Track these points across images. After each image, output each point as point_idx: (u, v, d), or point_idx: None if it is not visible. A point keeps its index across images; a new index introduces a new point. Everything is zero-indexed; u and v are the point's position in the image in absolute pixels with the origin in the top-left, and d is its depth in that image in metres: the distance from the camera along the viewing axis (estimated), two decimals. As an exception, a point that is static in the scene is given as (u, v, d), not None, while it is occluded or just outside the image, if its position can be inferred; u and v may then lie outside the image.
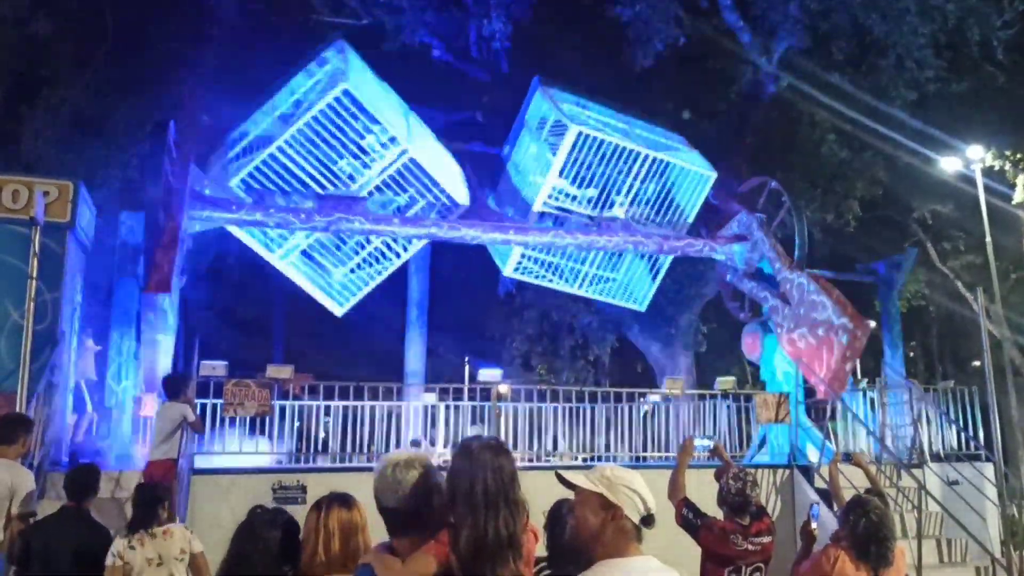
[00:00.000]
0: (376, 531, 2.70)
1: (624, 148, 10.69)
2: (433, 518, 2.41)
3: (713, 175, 11.38)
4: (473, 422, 10.65)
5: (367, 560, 2.45)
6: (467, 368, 20.63)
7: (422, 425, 11.17)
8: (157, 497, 4.63)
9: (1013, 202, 15.84)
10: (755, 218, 11.60)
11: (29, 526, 4.79)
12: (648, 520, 2.30)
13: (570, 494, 2.45)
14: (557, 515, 3.43)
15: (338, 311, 10.91)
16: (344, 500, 2.77)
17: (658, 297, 16.18)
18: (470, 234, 10.60)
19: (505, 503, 2.36)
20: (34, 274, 7.21)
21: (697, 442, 6.48)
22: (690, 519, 4.33)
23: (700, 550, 4.35)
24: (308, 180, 10.03)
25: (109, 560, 4.28)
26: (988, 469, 9.88)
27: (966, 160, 14.44)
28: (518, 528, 2.38)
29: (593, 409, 10.79)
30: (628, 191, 11.17)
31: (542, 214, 11.26)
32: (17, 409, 6.67)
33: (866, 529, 3.33)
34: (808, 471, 9.47)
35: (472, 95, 16.01)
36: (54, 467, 7.47)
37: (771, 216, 12.44)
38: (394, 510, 2.40)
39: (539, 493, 2.79)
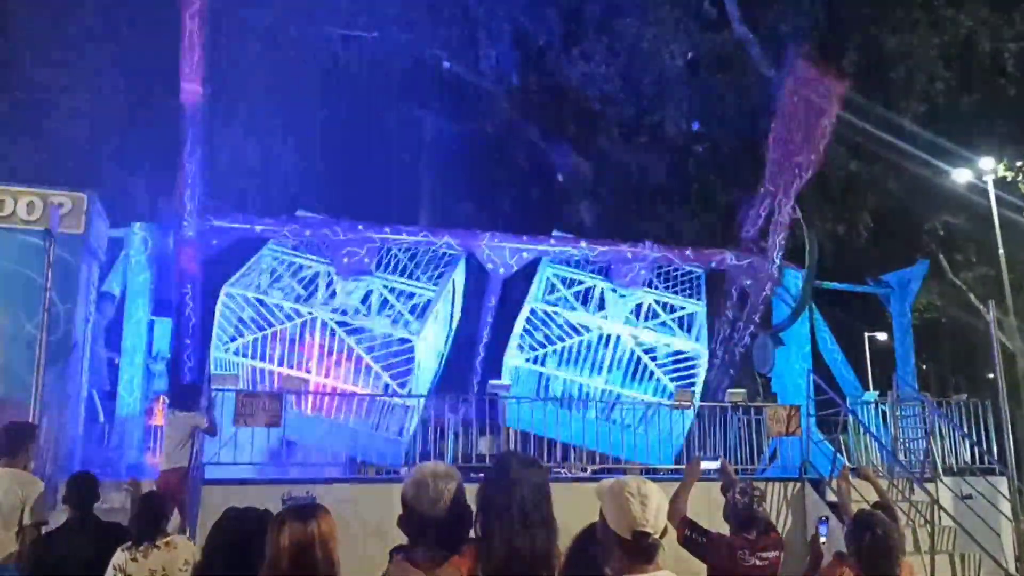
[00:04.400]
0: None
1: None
2: (461, 530, 2.41)
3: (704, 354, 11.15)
4: (482, 434, 10.63)
5: (390, 574, 2.40)
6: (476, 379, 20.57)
7: (431, 436, 11.15)
8: (162, 508, 4.60)
9: (1025, 214, 15.76)
10: (771, 271, 11.73)
11: (38, 539, 4.78)
12: (640, 538, 2.22)
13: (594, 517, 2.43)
14: (581, 544, 3.31)
15: None
16: (300, 513, 2.61)
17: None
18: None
19: (540, 520, 2.35)
20: (48, 285, 7.29)
21: (705, 464, 6.40)
22: (693, 538, 4.27)
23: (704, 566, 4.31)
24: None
25: (109, 572, 4.18)
26: (1002, 483, 9.78)
27: (978, 172, 14.40)
28: (551, 545, 2.37)
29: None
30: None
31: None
32: (30, 419, 6.73)
33: (871, 544, 3.30)
34: (819, 484, 9.41)
35: (482, 105, 16.10)
36: (66, 478, 7.51)
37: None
38: (430, 520, 2.38)
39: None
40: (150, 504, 4.59)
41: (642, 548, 2.23)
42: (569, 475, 10.48)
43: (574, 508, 2.96)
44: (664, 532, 2.29)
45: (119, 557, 4.23)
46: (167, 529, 4.58)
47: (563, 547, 2.70)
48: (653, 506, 2.24)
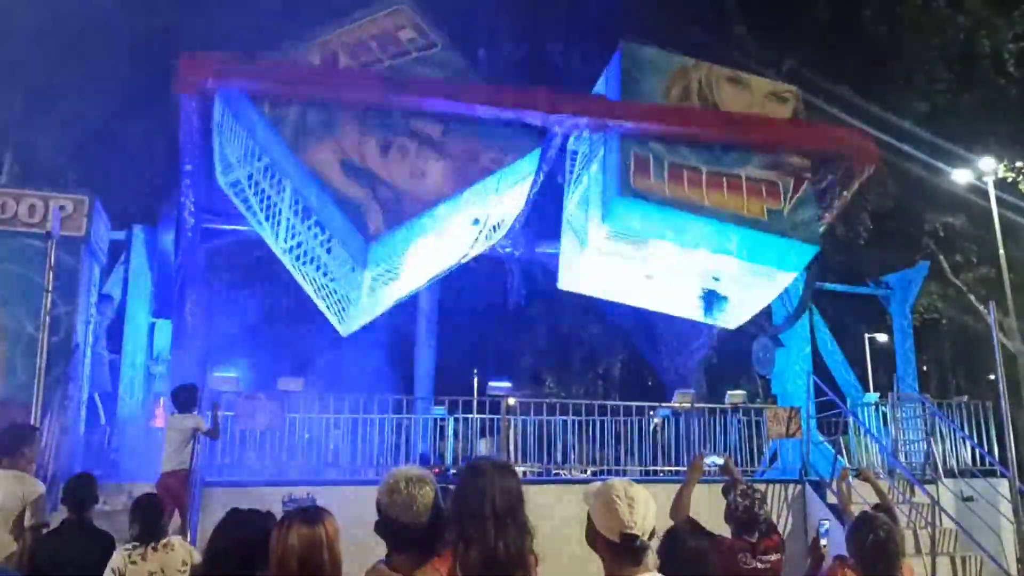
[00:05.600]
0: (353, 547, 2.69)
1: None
2: (438, 535, 2.44)
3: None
4: (482, 435, 10.65)
5: None
6: (476, 381, 20.66)
7: (431, 438, 11.18)
8: (162, 509, 4.63)
9: (1026, 214, 15.75)
10: None
11: (36, 541, 4.79)
12: (628, 540, 2.24)
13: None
14: (672, 540, 3.30)
15: (342, 331, 9.51)
16: (307, 516, 2.62)
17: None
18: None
19: (513, 522, 2.41)
20: (49, 287, 7.30)
21: (708, 459, 6.43)
22: None
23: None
24: None
25: (107, 575, 4.16)
26: (1003, 485, 9.77)
27: (978, 172, 14.39)
28: (525, 547, 2.42)
29: (603, 422, 10.77)
30: None
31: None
32: (32, 421, 6.74)
33: (873, 546, 3.30)
34: (820, 486, 9.42)
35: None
36: (67, 478, 7.52)
37: None
38: (405, 525, 2.42)
39: (548, 507, 2.81)
40: (151, 505, 4.60)
41: (631, 550, 2.25)
42: (569, 477, 10.50)
43: (574, 509, 2.96)
44: (652, 534, 2.32)
45: (117, 560, 4.23)
46: (167, 531, 4.59)
47: (552, 548, 2.71)
48: (640, 508, 2.27)
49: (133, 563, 4.22)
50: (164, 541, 4.38)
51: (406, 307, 16.80)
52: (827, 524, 5.46)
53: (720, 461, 6.03)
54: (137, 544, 4.30)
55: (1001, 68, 14.74)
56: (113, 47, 12.67)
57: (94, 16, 12.43)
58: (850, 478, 6.10)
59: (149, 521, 4.43)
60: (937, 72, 13.95)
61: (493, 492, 2.41)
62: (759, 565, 4.22)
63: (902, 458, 10.45)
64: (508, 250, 10.53)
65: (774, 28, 14.50)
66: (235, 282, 14.83)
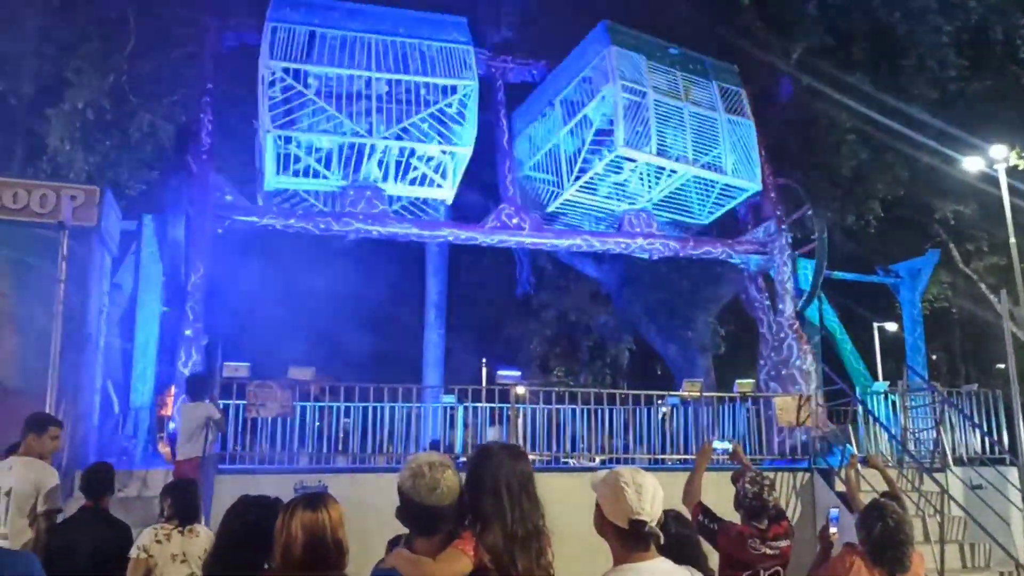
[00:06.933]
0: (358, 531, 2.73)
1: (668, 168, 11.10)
2: (459, 518, 2.51)
3: (755, 188, 11.50)
4: (491, 423, 10.69)
5: (390, 563, 2.48)
6: (485, 370, 20.73)
7: (441, 426, 11.24)
8: (198, 494, 4.74)
9: (1037, 202, 15.60)
10: (782, 236, 11.63)
11: (50, 527, 4.87)
12: (637, 526, 2.27)
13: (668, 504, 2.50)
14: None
15: None
16: (310, 501, 2.65)
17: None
18: (484, 239, 10.81)
19: (527, 499, 2.52)
20: (62, 277, 7.36)
21: (716, 444, 6.46)
22: (706, 524, 4.32)
23: (717, 554, 4.34)
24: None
25: (134, 552, 4.30)
26: (1012, 473, 9.77)
27: (989, 160, 14.25)
28: (540, 521, 2.53)
29: (611, 411, 10.79)
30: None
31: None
32: (47, 409, 6.82)
33: (882, 534, 3.31)
34: (828, 474, 9.43)
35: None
36: (82, 467, 7.59)
37: (788, 212, 12.41)
38: (428, 509, 2.46)
39: (557, 494, 2.84)
40: (189, 490, 4.70)
41: (639, 536, 2.29)
42: (578, 465, 10.54)
43: (583, 497, 2.99)
44: (660, 520, 2.35)
45: (146, 537, 4.37)
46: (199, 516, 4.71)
47: (561, 535, 2.75)
48: (648, 495, 2.30)
49: (159, 542, 4.35)
50: (190, 527, 4.48)
51: (414, 296, 16.89)
52: (836, 512, 5.48)
53: (729, 447, 6.05)
54: (168, 526, 4.42)
55: (1013, 55, 14.58)
56: (123, 34, 12.65)
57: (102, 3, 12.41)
58: (858, 466, 6.12)
59: (186, 505, 4.55)
60: (948, 59, 13.80)
61: (506, 472, 2.50)
62: (768, 551, 4.25)
63: (911, 446, 10.44)
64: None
65: (783, 14, 14.38)
66: (246, 268, 14.88)
